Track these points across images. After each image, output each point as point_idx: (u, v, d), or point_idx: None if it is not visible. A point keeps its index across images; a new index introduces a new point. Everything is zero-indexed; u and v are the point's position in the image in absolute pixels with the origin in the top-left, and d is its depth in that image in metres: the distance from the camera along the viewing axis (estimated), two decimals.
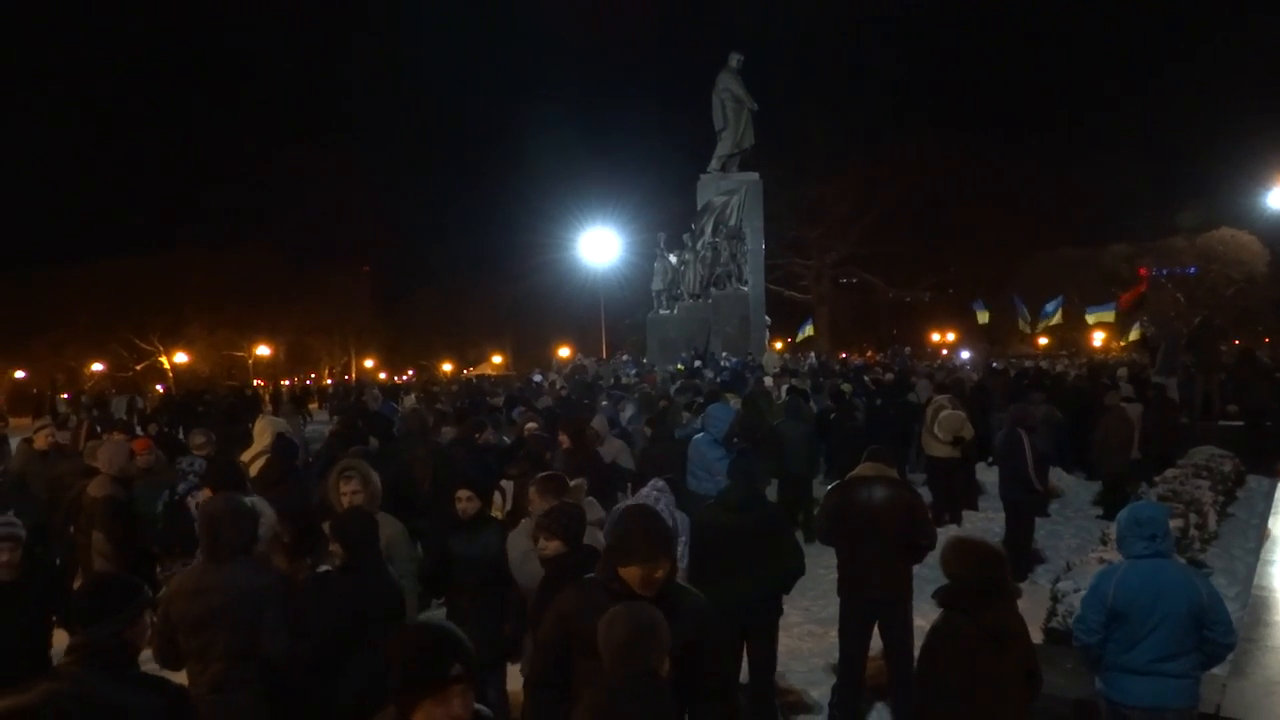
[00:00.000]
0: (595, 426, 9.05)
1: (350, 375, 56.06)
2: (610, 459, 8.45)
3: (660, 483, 5.64)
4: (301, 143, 66.94)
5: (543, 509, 4.45)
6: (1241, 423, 15.21)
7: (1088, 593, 4.37)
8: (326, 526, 4.34)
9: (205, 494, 5.83)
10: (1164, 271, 47.40)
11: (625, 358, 26.94)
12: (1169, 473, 10.54)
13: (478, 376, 32.73)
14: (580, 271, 42.81)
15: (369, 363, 60.40)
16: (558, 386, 18.20)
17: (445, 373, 53.73)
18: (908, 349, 35.57)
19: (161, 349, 49.77)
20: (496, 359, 60.48)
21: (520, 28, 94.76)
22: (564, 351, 47.43)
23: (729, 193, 26.40)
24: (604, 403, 13.24)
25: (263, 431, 8.64)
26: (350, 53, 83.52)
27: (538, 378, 22.65)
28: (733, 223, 26.15)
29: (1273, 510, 10.72)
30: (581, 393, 17.07)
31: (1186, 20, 73.47)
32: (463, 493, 5.20)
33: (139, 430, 14.83)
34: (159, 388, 45.60)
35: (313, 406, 22.29)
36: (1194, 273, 47.31)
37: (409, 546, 5.20)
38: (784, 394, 14.59)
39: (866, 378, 18.52)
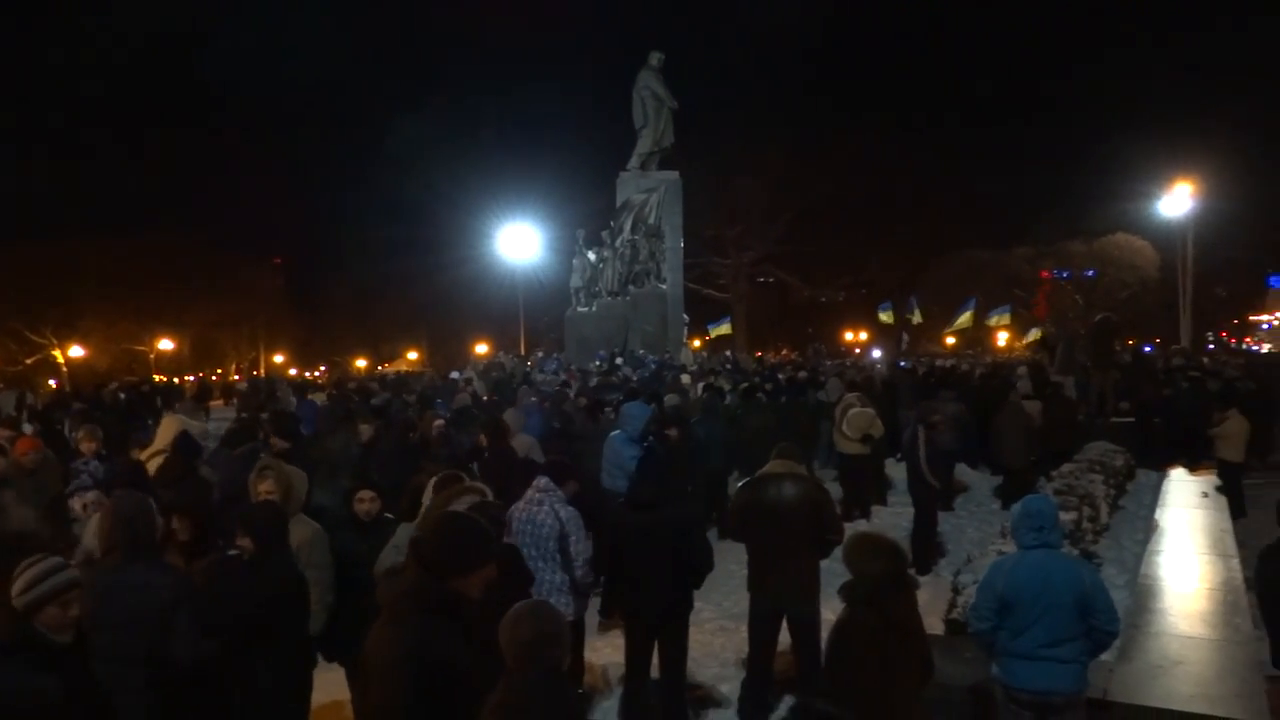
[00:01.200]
0: (508, 421, 9.00)
1: (259, 370, 54.48)
2: (522, 454, 8.42)
3: (544, 481, 5.40)
4: (206, 126, 64.69)
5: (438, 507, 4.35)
6: (1133, 419, 15.97)
7: (981, 582, 4.58)
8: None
9: (92, 495, 5.61)
10: (1064, 274, 49.38)
11: (555, 355, 26.82)
12: (1065, 467, 10.99)
13: (403, 372, 32.12)
14: (499, 267, 42.47)
15: (279, 358, 58.80)
16: (473, 384, 18.02)
17: (359, 369, 52.63)
18: (822, 347, 36.31)
19: (55, 341, 47.51)
20: (412, 355, 59.50)
21: (439, 15, 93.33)
22: (481, 348, 46.98)
23: (649, 190, 26.48)
24: (532, 399, 13.18)
25: (166, 429, 8.35)
26: (262, 33, 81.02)
27: (454, 374, 22.37)
28: (652, 220, 26.25)
29: (1159, 503, 11.31)
30: (500, 391, 16.97)
31: (1089, 31, 76.57)
32: (364, 494, 5.13)
33: (27, 427, 14.13)
34: (52, 383, 43.55)
35: (218, 403, 21.62)
36: (1092, 275, 49.35)
37: (323, 551, 4.98)
38: (701, 391, 14.72)
39: (780, 375, 18.79)
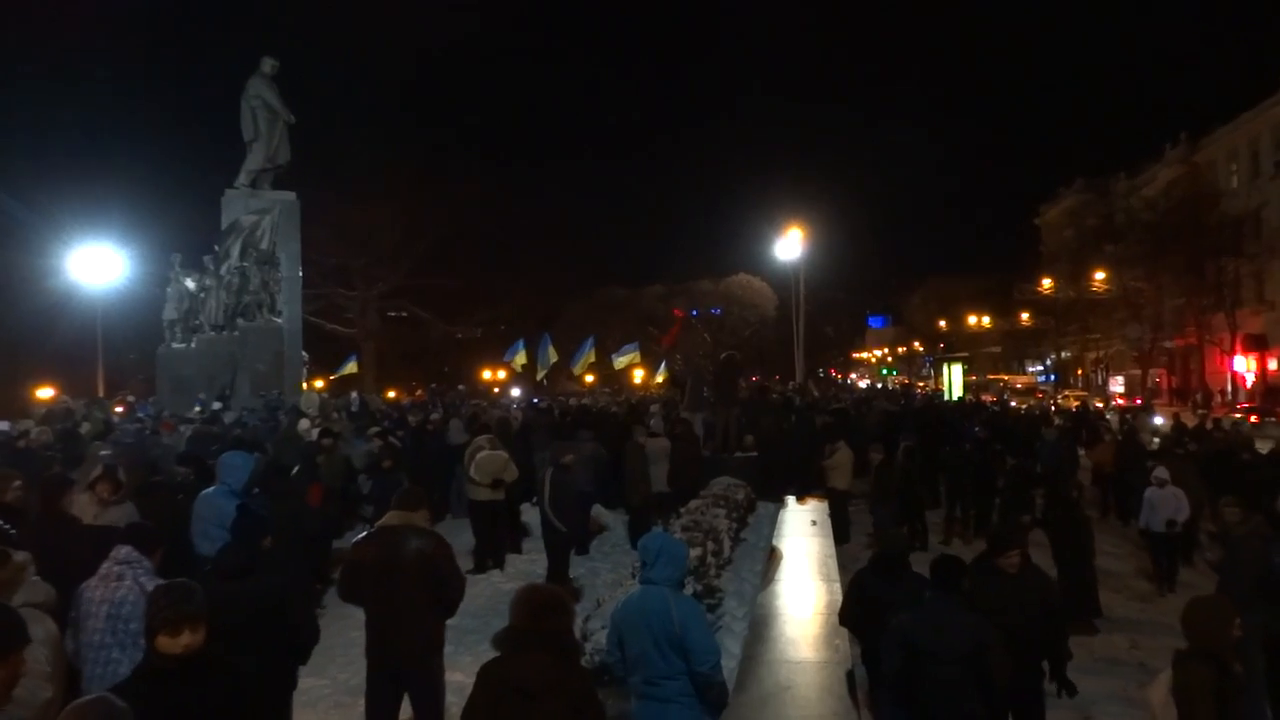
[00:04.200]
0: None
1: None
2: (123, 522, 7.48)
3: (125, 551, 4.95)
4: None
5: None
6: (755, 453, 17.69)
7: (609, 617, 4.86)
8: None
9: None
10: (694, 312, 54.06)
11: (147, 400, 24.24)
12: (692, 503, 11.86)
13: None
14: (70, 296, 37.71)
15: None
16: (31, 435, 15.76)
17: None
18: (462, 388, 36.39)
19: None
20: None
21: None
22: (46, 392, 41.28)
23: (260, 212, 25.11)
24: (104, 452, 11.76)
25: None
26: None
27: (3, 426, 19.39)
28: (265, 245, 24.86)
29: (776, 532, 12.61)
30: (68, 444, 14.98)
31: (716, 80, 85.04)
32: None
33: None
34: None
35: None
36: (719, 313, 54.48)
37: None
38: (320, 439, 14.15)
39: (411, 419, 18.56)
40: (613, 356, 35.46)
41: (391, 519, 5.79)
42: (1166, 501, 11.81)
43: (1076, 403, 37.37)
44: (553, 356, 32.50)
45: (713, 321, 53.80)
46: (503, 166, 45.74)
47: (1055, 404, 39.44)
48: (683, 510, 11.52)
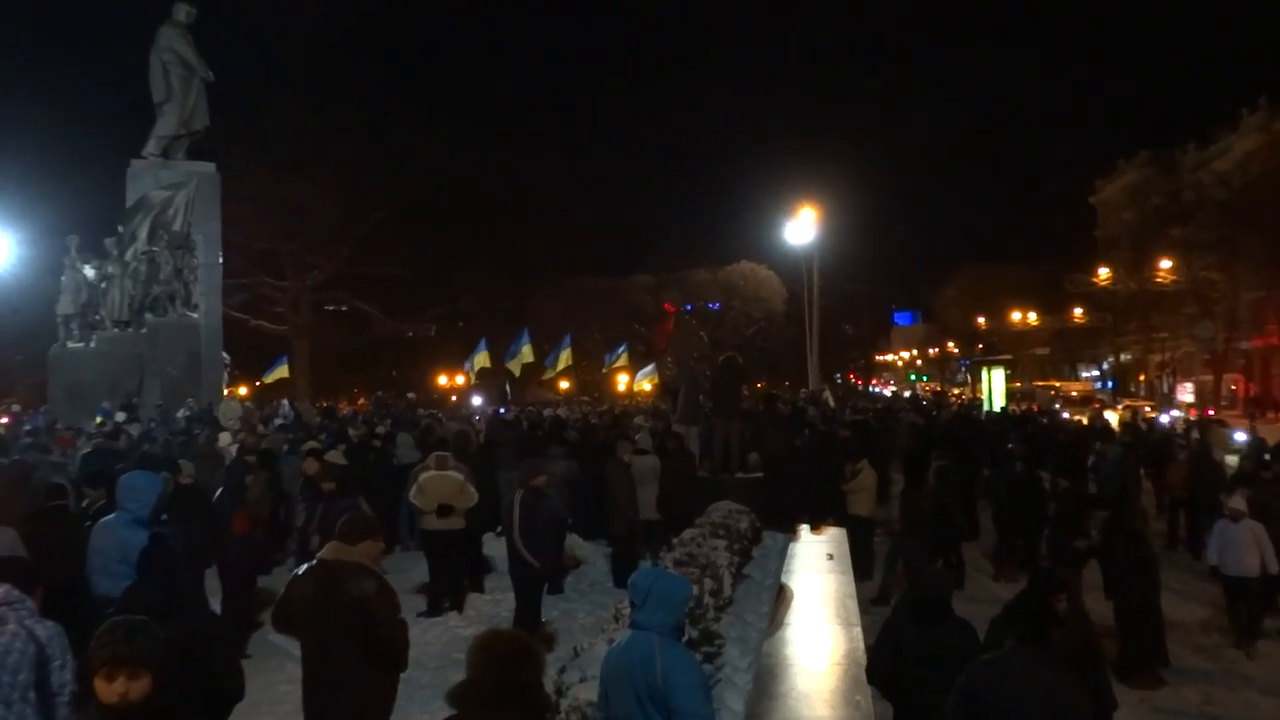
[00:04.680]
0: None
1: None
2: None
3: (4, 590, 4.90)
4: None
5: None
6: (761, 474, 17.69)
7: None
8: None
9: None
10: (690, 307, 54.12)
11: (15, 408, 24.16)
12: (686, 533, 11.84)
13: None
14: None
15: None
16: None
17: None
18: (413, 396, 36.28)
19: None
20: None
21: None
22: None
23: (173, 186, 25.19)
24: None
25: None
26: None
27: None
28: (178, 227, 24.93)
29: (785, 568, 12.59)
30: None
31: (711, 45, 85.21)
32: None
33: None
34: None
35: None
36: (718, 308, 54.53)
37: None
38: (244, 456, 14.14)
39: (353, 433, 18.51)
40: (607, 357, 35.38)
41: (328, 552, 5.76)
42: (1242, 538, 11.44)
43: (1125, 413, 37.51)
44: (527, 356, 32.31)
45: (710, 318, 53.94)
46: (462, 133, 45.65)
47: (1103, 414, 39.61)
48: (675, 541, 11.51)
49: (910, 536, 14.09)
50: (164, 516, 8.50)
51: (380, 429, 18.94)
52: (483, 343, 34.82)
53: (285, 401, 28.57)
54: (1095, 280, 59.04)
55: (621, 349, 36.88)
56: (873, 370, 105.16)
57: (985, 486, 16.21)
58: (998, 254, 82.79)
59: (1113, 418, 35.60)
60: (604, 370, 41.50)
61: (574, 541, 15.04)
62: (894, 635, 6.42)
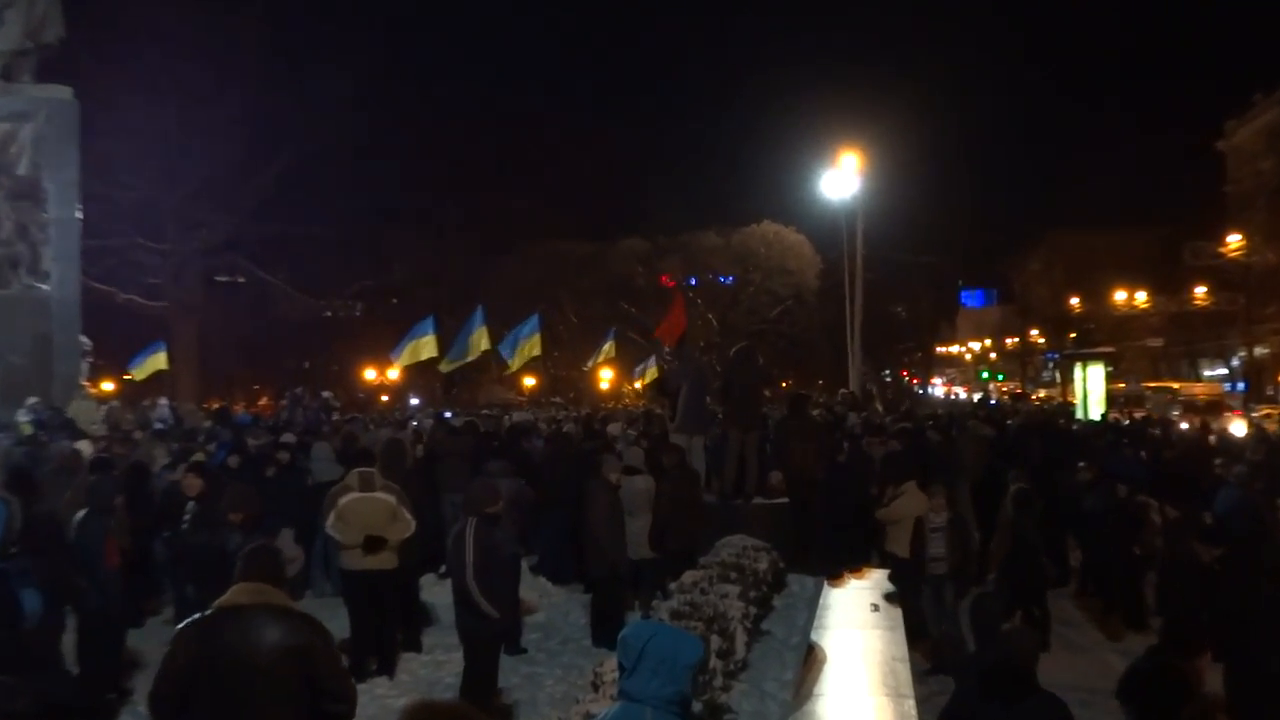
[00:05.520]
0: None
1: None
2: None
3: None
4: None
5: None
6: (787, 499, 17.69)
7: None
8: None
9: None
10: (694, 280, 53.93)
11: None
12: (688, 576, 11.86)
13: None
14: None
15: None
16: None
17: None
18: (330, 395, 36.25)
19: None
20: None
21: None
22: None
23: (15, 118, 25.13)
24: None
25: None
26: None
27: None
28: (22, 171, 24.89)
29: (816, 622, 12.65)
30: None
31: None
32: None
33: None
34: None
35: None
36: (731, 283, 54.30)
37: None
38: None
39: (252, 441, 18.53)
40: (601, 348, 35.08)
41: (238, 595, 5.80)
42: None
43: (1255, 423, 37.54)
44: (482, 343, 31.77)
45: (721, 295, 53.80)
46: (403, 52, 45.22)
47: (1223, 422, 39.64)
48: (674, 587, 11.55)
49: (978, 581, 14.17)
50: (13, 550, 8.51)
51: (288, 437, 18.92)
52: (428, 323, 33.54)
53: (164, 400, 28.57)
54: (1223, 250, 59.05)
55: (608, 338, 36.47)
56: (933, 366, 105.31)
57: (1082, 517, 16.27)
58: (1096, 217, 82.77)
59: (1240, 428, 35.64)
60: (586, 367, 41.25)
61: (538, 586, 15.13)
62: (960, 714, 6.45)
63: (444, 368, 33.35)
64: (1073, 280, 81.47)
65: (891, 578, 14.48)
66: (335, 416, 29.70)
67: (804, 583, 14.80)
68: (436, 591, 13.57)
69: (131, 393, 34.90)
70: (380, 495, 12.07)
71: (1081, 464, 18.11)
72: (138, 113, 40.56)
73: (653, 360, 34.90)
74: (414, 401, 40.90)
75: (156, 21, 42.17)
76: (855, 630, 12.47)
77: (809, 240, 52.38)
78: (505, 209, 50.55)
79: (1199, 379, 71.27)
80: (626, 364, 44.78)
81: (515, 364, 34.10)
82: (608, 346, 36.04)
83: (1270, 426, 37.19)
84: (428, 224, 48.98)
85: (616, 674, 4.99)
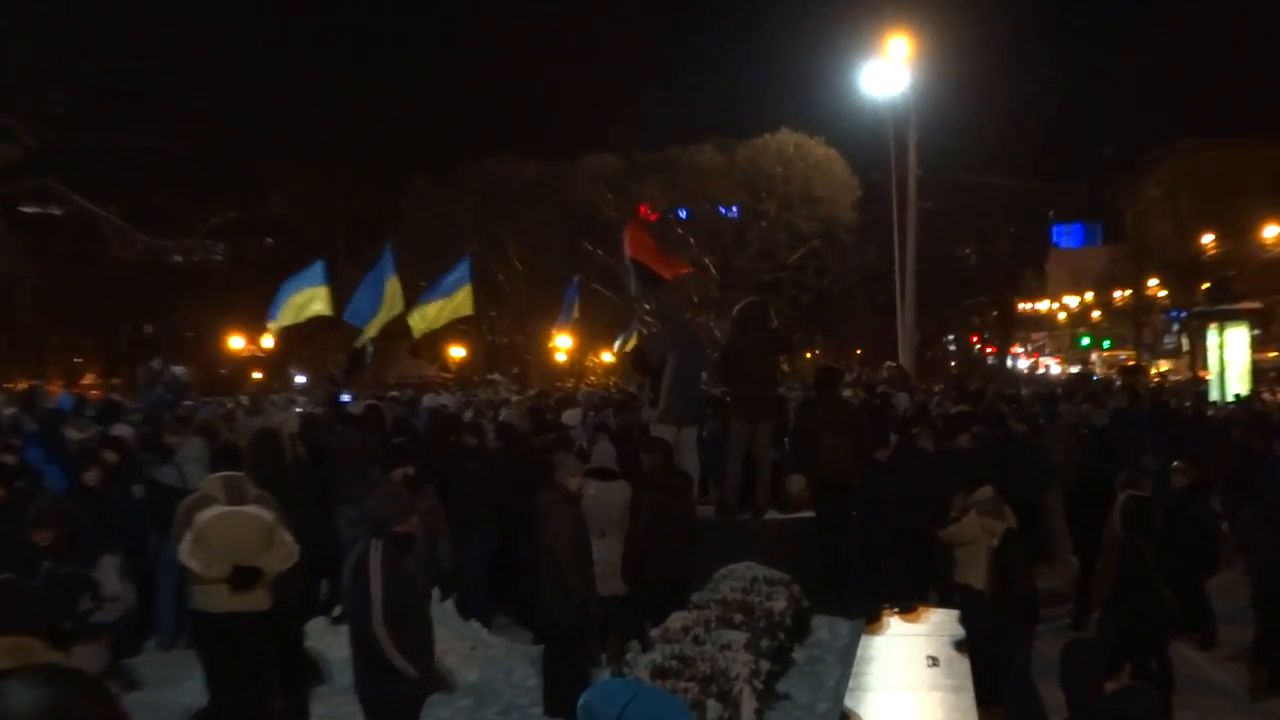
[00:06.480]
0: None
1: None
2: None
3: None
4: None
5: None
6: (812, 513, 17.66)
7: None
8: None
9: None
10: (684, 212, 53.74)
11: None
12: (675, 619, 11.86)
13: None
14: None
15: None
16: None
17: None
18: (177, 372, 36.12)
19: None
20: None
21: None
22: None
23: None
24: None
25: None
26: None
27: None
28: None
29: (852, 682, 12.64)
30: None
31: None
32: None
33: None
34: None
35: None
36: (735, 214, 54.23)
37: None
38: None
39: (74, 434, 18.47)
40: (562, 317, 34.75)
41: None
42: None
43: None
44: (395, 300, 31.14)
45: (723, 232, 53.54)
46: None
47: None
48: (657, 634, 11.54)
49: (1078, 621, 14.16)
50: None
51: (122, 429, 18.84)
52: (316, 270, 32.16)
53: None
54: None
55: (571, 295, 35.45)
56: (1013, 329, 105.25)
57: (1241, 534, 16.34)
58: (1238, 126, 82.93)
59: None
60: (554, 332, 40.67)
61: (469, 633, 15.10)
62: None
63: (365, 339, 32.23)
64: (1206, 212, 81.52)
65: (962, 619, 14.43)
66: (188, 401, 29.40)
67: (835, 628, 14.85)
68: (329, 641, 13.53)
69: None
70: (253, 510, 11.97)
71: (1176, 463, 17.86)
72: None
73: (635, 324, 34.78)
74: (299, 380, 40.83)
75: None
76: (906, 693, 12.47)
77: (842, 156, 52.27)
78: (427, 119, 50.56)
79: None
80: (592, 327, 44.57)
81: (431, 324, 32.88)
82: (572, 306, 35.42)
83: None
84: (319, 137, 48.89)
85: None
